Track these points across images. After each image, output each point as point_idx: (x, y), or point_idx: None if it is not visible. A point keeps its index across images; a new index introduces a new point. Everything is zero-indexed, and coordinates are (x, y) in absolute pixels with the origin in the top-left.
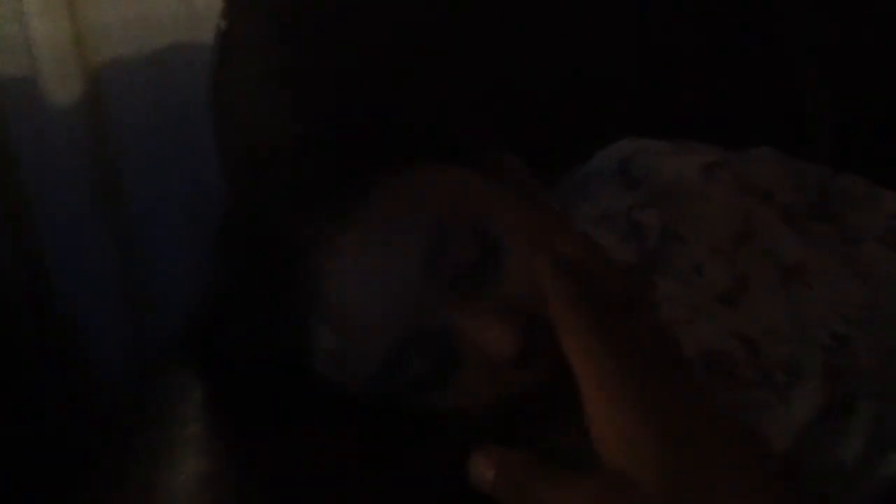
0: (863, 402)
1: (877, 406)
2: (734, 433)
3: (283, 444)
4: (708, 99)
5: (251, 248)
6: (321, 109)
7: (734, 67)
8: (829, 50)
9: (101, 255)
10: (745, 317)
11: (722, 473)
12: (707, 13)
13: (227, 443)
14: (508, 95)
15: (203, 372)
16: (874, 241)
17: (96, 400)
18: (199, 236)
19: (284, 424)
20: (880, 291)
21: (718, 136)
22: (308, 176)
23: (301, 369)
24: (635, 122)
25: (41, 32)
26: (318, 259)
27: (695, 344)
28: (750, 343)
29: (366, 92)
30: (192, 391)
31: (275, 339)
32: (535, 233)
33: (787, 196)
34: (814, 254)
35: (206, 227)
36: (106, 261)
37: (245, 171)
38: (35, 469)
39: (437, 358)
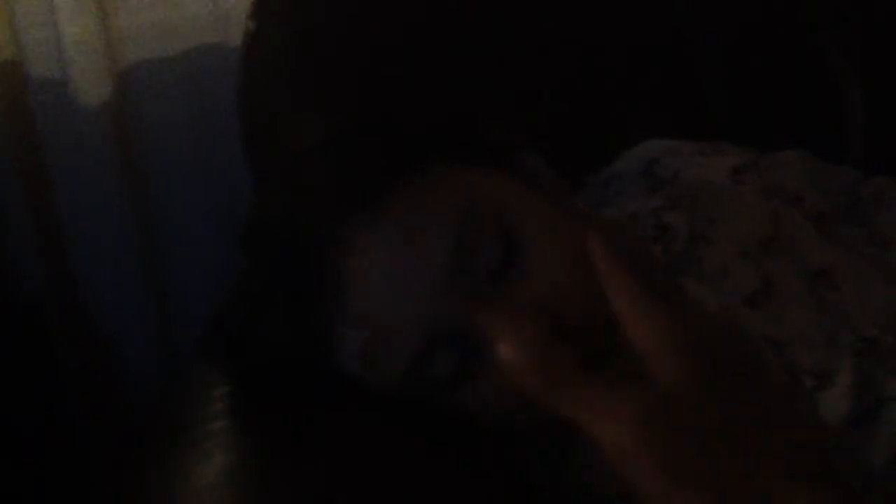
0: (891, 406)
1: None
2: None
3: (308, 439)
4: (737, 100)
5: (277, 247)
6: (347, 110)
7: (764, 68)
8: (862, 50)
9: (130, 254)
10: (772, 320)
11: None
12: (737, 12)
13: (252, 438)
14: (534, 96)
15: (229, 369)
16: None
17: (125, 397)
18: (225, 235)
19: (309, 421)
20: None
21: (747, 138)
22: (334, 175)
23: (326, 367)
24: (661, 124)
25: (72, 36)
26: (343, 258)
27: None
28: (777, 346)
29: (391, 92)
30: (219, 387)
31: (300, 337)
32: (559, 234)
33: (816, 200)
34: (842, 258)
35: (232, 226)
36: (134, 259)
37: (271, 171)
38: (64, 464)
39: (461, 357)
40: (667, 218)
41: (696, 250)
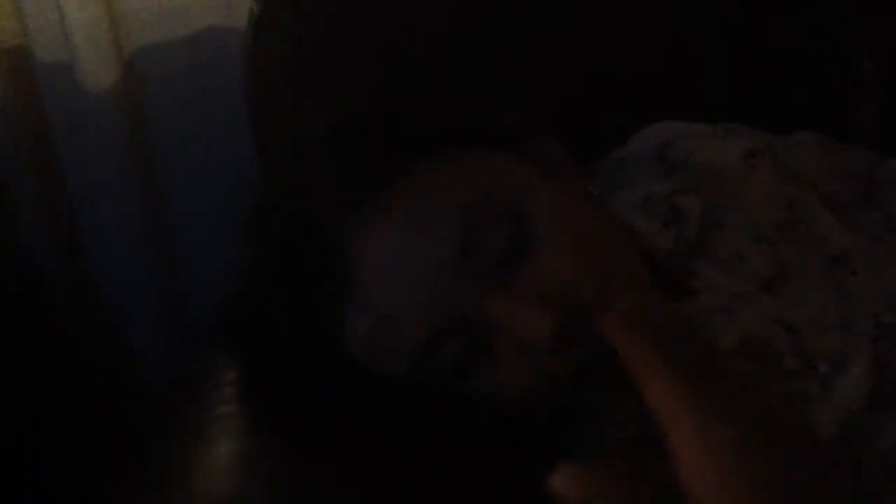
0: None
1: None
2: (794, 433)
3: (316, 425)
4: (750, 81)
5: (286, 232)
6: (357, 94)
7: (779, 49)
8: (878, 30)
9: (138, 236)
10: (787, 305)
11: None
12: None
13: (260, 424)
14: (545, 79)
15: (237, 354)
16: None
17: (135, 381)
18: (235, 219)
19: (317, 406)
20: None
21: (759, 120)
22: (343, 161)
23: (334, 353)
24: (671, 106)
25: (78, 19)
26: (352, 244)
27: (737, 332)
28: (793, 332)
29: (401, 77)
30: (227, 373)
31: (308, 324)
32: (570, 217)
33: (832, 183)
34: (859, 242)
35: (241, 210)
36: (142, 243)
37: (280, 155)
38: (76, 450)
39: (471, 344)
40: (680, 202)
41: (710, 235)
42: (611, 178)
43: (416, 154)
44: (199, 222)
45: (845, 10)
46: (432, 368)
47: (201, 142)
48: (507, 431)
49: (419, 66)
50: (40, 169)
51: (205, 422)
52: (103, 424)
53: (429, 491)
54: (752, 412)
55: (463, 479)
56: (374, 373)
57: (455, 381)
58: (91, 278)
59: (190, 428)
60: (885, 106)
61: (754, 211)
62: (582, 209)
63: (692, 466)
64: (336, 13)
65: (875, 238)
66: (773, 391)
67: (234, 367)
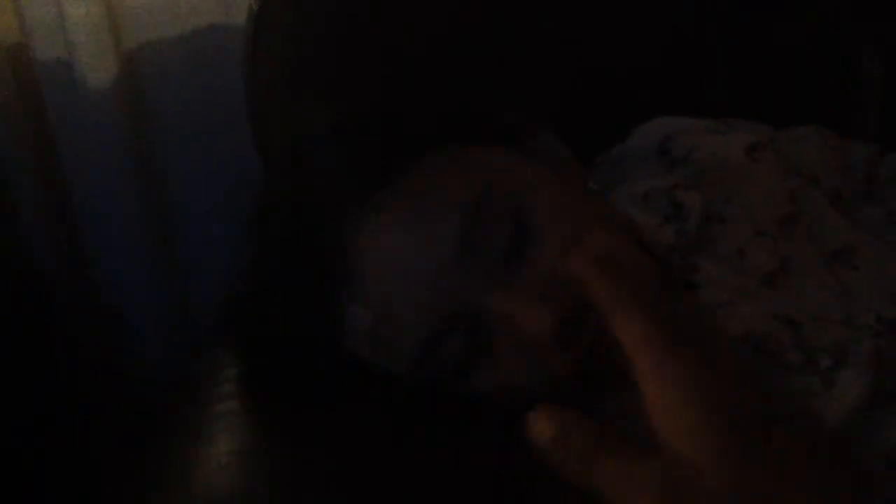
0: None
1: None
2: (792, 418)
3: (316, 423)
4: (751, 74)
5: (287, 228)
6: (359, 91)
7: (781, 42)
8: (881, 24)
9: (139, 235)
10: (789, 300)
11: (786, 465)
12: None
13: (261, 420)
14: (546, 79)
15: (239, 351)
16: None
17: (135, 382)
18: (235, 216)
19: (318, 403)
20: None
21: (761, 113)
22: (345, 157)
23: (335, 351)
24: (672, 100)
25: (76, 16)
26: (354, 239)
27: (738, 326)
28: (794, 326)
29: (401, 72)
30: (228, 370)
31: (310, 320)
32: (571, 214)
33: (833, 177)
34: (861, 237)
35: (242, 207)
36: (143, 239)
37: (281, 153)
38: (76, 450)
39: (473, 339)
40: (681, 197)
41: (711, 230)
42: (611, 174)
43: (416, 152)
44: (199, 220)
45: (845, 9)
46: (433, 367)
47: (201, 139)
48: (508, 430)
49: (419, 64)
50: (40, 167)
51: (204, 420)
52: (103, 423)
53: (429, 489)
54: (718, 355)
55: (463, 477)
56: (375, 371)
57: (455, 380)
58: (91, 277)
59: (189, 426)
60: (885, 105)
61: (756, 205)
62: (582, 206)
63: (655, 397)
64: (336, 12)
65: (876, 233)
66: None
67: (234, 365)
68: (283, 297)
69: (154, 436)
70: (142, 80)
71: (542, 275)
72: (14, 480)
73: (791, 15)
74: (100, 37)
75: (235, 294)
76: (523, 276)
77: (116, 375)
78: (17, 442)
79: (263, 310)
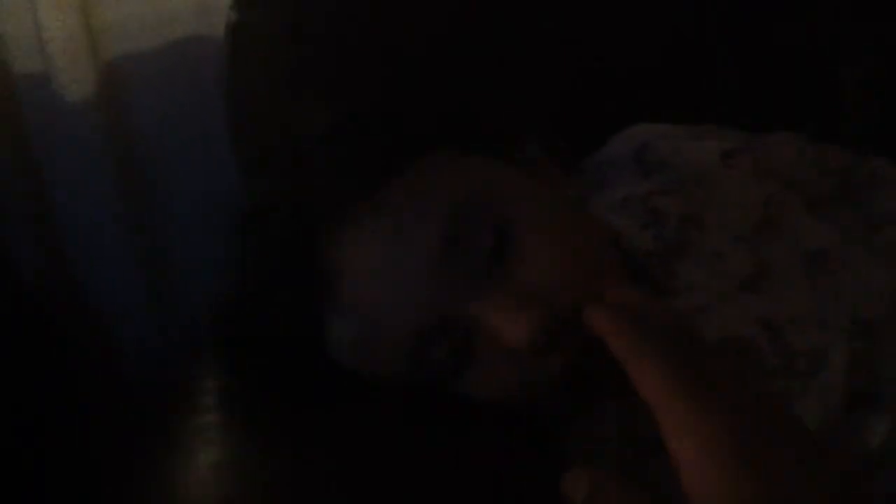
0: (887, 388)
1: None
2: (799, 432)
3: (300, 433)
4: (731, 82)
5: (268, 239)
6: (342, 100)
7: (759, 49)
8: (858, 26)
9: (121, 247)
10: (767, 304)
11: (800, 486)
12: None
13: (242, 432)
14: (546, 79)
15: (220, 361)
16: None
17: (121, 387)
18: (217, 227)
19: (301, 413)
20: None
21: (741, 119)
22: (324, 166)
23: (322, 358)
24: (655, 108)
25: (54, 28)
26: (336, 248)
27: (716, 331)
28: (772, 330)
29: (382, 80)
30: (210, 381)
31: (294, 328)
32: (553, 222)
33: (810, 182)
34: (837, 240)
35: (224, 218)
36: (126, 252)
37: (260, 163)
38: (59, 458)
39: (455, 346)
40: (658, 203)
41: (689, 235)
42: (590, 180)
43: (395, 158)
44: (181, 229)
45: (844, 9)
46: (419, 372)
47: (182, 148)
48: (500, 433)
49: (399, 69)
50: (21, 179)
51: (189, 430)
52: (90, 428)
53: (414, 497)
54: (743, 401)
55: (450, 483)
56: (361, 379)
57: (442, 385)
58: (75, 286)
59: (173, 437)
60: (883, 106)
61: (732, 210)
62: (565, 215)
63: (685, 456)
64: (313, 19)
65: (853, 235)
66: (762, 383)
67: (220, 373)
68: (269, 306)
69: (139, 445)
70: (121, 91)
71: (520, 284)
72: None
73: (791, 15)
74: (78, 48)
75: (220, 303)
76: (503, 285)
77: (101, 380)
78: (6, 445)
79: (249, 316)
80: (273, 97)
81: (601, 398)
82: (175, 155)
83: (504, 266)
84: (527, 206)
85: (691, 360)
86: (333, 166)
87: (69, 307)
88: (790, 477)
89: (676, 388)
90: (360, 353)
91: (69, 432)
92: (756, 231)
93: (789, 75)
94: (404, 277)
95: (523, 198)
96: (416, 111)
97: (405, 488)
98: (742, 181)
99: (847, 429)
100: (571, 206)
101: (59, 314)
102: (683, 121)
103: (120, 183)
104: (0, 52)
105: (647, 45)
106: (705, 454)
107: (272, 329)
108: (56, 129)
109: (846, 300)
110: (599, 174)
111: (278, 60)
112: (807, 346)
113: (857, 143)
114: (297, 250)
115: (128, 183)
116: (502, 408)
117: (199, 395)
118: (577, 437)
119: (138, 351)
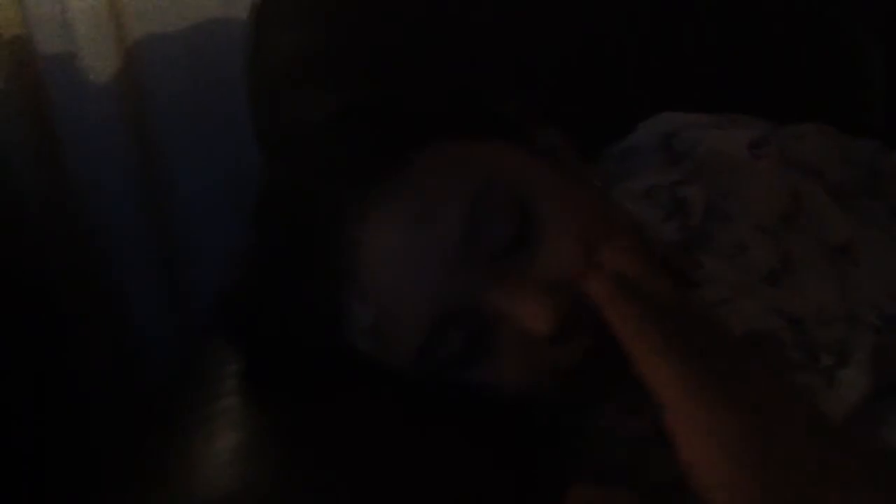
0: None
1: None
2: (823, 429)
3: (319, 417)
4: (756, 71)
5: (287, 223)
6: (357, 83)
7: (786, 39)
8: (884, 16)
9: (142, 229)
10: (791, 296)
11: (826, 483)
12: None
13: (261, 417)
14: (550, 68)
15: (240, 346)
16: None
17: (137, 374)
18: (237, 210)
19: (319, 398)
20: None
21: (765, 109)
22: (344, 150)
23: (336, 344)
24: (675, 95)
25: (78, 9)
26: (353, 234)
27: (739, 324)
28: (796, 323)
29: (403, 65)
30: (229, 365)
31: (311, 314)
32: (573, 212)
33: (836, 173)
34: (863, 233)
35: (243, 200)
36: (146, 234)
37: (281, 146)
38: (77, 443)
39: (474, 334)
40: (683, 193)
41: (713, 226)
42: (614, 168)
43: (416, 145)
44: (202, 212)
45: (849, 5)
46: (435, 360)
47: (202, 131)
48: (512, 423)
49: (419, 54)
50: (43, 159)
51: (205, 417)
52: (104, 421)
53: (433, 483)
54: (759, 394)
55: (467, 470)
56: (379, 365)
57: (459, 373)
58: (92, 268)
59: (192, 421)
60: (890, 96)
61: (758, 201)
62: (585, 200)
63: (690, 448)
64: (337, 4)
65: (878, 228)
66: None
67: (235, 361)
68: (285, 291)
69: (155, 431)
70: (144, 72)
71: (542, 269)
72: (14, 475)
73: (793, 12)
74: (102, 30)
75: (237, 286)
76: (524, 271)
77: (117, 368)
78: (17, 436)
79: (266, 303)
80: (287, 82)
81: (611, 390)
82: (196, 135)
83: (525, 253)
84: (548, 192)
85: (700, 346)
86: (349, 152)
87: (85, 286)
88: (813, 477)
89: (676, 375)
90: (378, 341)
91: (86, 420)
92: (781, 222)
93: (798, 70)
94: (424, 263)
95: (544, 184)
96: (431, 97)
97: (424, 470)
98: (768, 172)
99: (872, 420)
100: (594, 193)
101: (73, 293)
102: (705, 110)
103: (141, 162)
104: (25, 31)
105: (649, 37)
106: (725, 457)
107: (291, 314)
108: (79, 108)
109: (871, 292)
110: (624, 163)
111: (299, 43)
112: (830, 341)
113: (883, 135)
114: (315, 237)
115: (148, 163)
116: (511, 400)
117: (218, 380)
118: (579, 430)
119: (156, 335)
